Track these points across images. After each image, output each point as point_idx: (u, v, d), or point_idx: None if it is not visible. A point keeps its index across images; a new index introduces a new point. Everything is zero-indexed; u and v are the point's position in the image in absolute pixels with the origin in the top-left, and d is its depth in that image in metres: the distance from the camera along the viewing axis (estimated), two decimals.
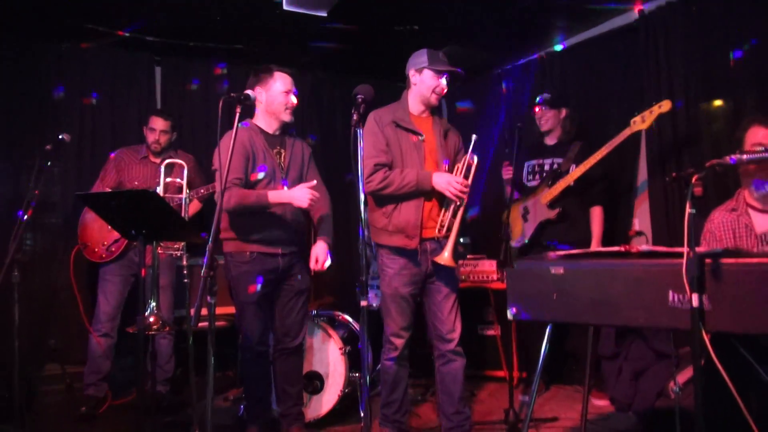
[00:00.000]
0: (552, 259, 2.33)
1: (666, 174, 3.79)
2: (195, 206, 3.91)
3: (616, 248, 2.26)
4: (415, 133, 2.89)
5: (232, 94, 2.51)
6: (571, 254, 2.34)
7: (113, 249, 3.76)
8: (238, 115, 2.49)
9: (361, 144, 2.33)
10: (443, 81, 2.89)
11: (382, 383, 2.98)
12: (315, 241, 3.12)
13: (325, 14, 4.01)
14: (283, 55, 4.85)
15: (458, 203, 2.80)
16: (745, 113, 3.38)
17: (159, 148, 3.90)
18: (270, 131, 3.03)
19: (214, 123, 4.87)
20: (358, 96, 2.40)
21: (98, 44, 4.45)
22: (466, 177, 2.84)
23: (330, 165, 5.30)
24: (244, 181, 2.87)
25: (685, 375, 2.63)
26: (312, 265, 3.03)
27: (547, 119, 3.82)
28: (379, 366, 4.16)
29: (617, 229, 4.17)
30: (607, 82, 4.32)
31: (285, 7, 3.88)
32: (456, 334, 2.90)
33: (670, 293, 1.95)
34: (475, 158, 2.87)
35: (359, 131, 2.34)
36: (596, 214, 3.69)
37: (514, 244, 3.90)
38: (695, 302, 1.84)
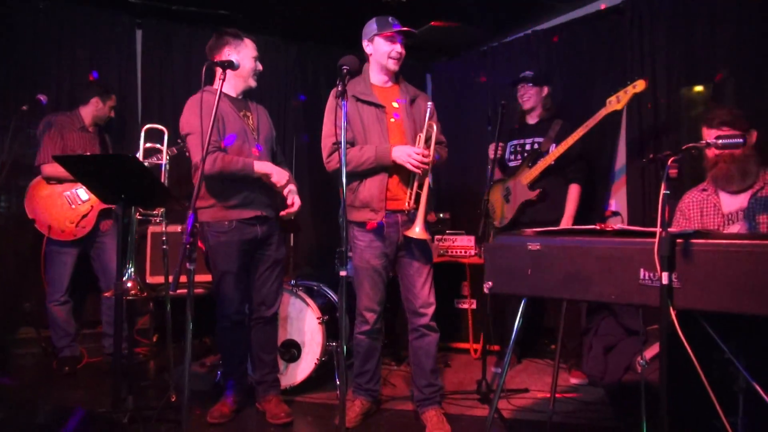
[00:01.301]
0: (529, 235, 2.37)
1: (644, 156, 3.85)
2: None
3: (591, 226, 2.32)
4: (376, 106, 2.85)
5: (215, 61, 2.49)
6: (548, 231, 2.38)
7: (84, 224, 3.71)
8: (222, 81, 2.47)
9: (344, 114, 2.33)
10: (397, 45, 2.84)
11: (355, 355, 3.01)
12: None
13: None
14: (267, 23, 4.79)
15: (420, 174, 2.79)
16: (723, 100, 3.44)
17: (105, 123, 3.94)
18: (234, 95, 2.99)
19: (194, 88, 4.78)
20: (344, 67, 2.39)
21: (77, 4, 4.34)
22: (427, 145, 2.82)
23: (313, 135, 5.28)
24: (219, 144, 2.83)
25: (652, 351, 2.73)
26: (288, 207, 2.99)
27: (529, 97, 3.80)
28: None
29: (594, 209, 4.25)
30: (592, 63, 4.36)
31: None
32: (429, 309, 2.91)
33: (642, 271, 2.01)
34: (434, 125, 2.83)
35: (344, 102, 2.33)
36: (573, 191, 3.67)
37: (495, 224, 3.91)
38: (665, 280, 1.90)
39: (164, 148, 3.45)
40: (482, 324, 4.08)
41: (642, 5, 3.89)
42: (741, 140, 2.12)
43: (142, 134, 3.48)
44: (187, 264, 2.28)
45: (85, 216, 3.70)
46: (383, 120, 2.85)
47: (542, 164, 3.61)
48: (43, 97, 3.62)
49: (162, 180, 3.47)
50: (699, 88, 3.66)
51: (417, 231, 2.74)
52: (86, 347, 4.05)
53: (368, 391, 3.03)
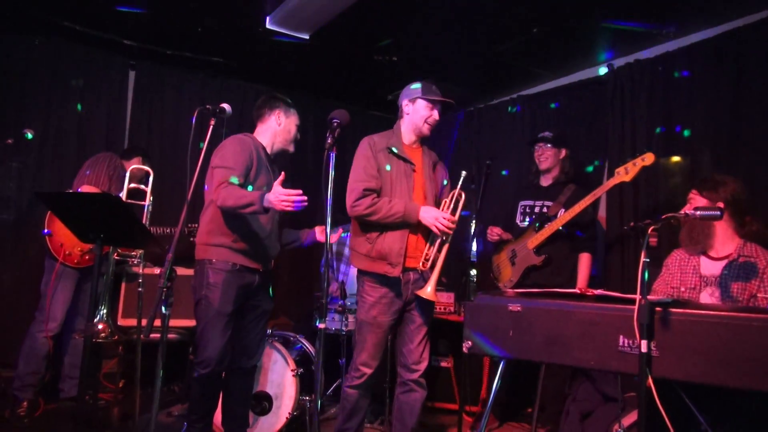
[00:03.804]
0: (510, 297, 2.38)
1: (623, 223, 3.92)
2: None
3: (572, 290, 2.33)
4: (407, 162, 2.90)
5: (207, 107, 2.51)
6: (529, 293, 2.39)
7: (90, 258, 3.63)
8: (211, 127, 2.49)
9: (332, 167, 2.34)
10: (435, 112, 2.93)
11: (341, 409, 2.91)
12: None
13: (307, 37, 4.06)
14: (258, 72, 4.88)
15: (444, 239, 2.80)
16: (701, 169, 3.55)
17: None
18: (269, 151, 3.07)
19: (183, 132, 4.83)
20: (334, 120, 2.43)
21: (73, 42, 4.39)
22: (453, 212, 2.84)
23: (298, 186, 5.29)
24: (241, 183, 2.79)
25: (630, 418, 2.70)
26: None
27: (546, 157, 3.76)
28: (330, 391, 4.15)
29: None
30: (574, 128, 4.47)
31: (268, 25, 3.92)
32: (422, 366, 2.89)
33: (621, 338, 2.02)
34: (463, 194, 2.86)
35: (332, 155, 2.35)
36: (584, 259, 3.60)
37: (501, 286, 3.80)
38: (644, 348, 1.90)
39: (149, 190, 3.43)
40: (459, 383, 4.01)
41: (623, 77, 4.05)
42: (718, 213, 2.17)
43: (127, 174, 3.46)
44: (163, 308, 2.24)
45: (92, 250, 3.62)
46: (410, 177, 2.89)
47: (549, 230, 3.52)
48: (29, 132, 3.60)
49: (144, 221, 3.44)
50: (677, 158, 3.76)
51: (428, 291, 2.73)
52: None
53: None
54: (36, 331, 3.60)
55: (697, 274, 2.63)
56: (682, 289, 2.60)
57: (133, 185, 3.48)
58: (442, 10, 3.65)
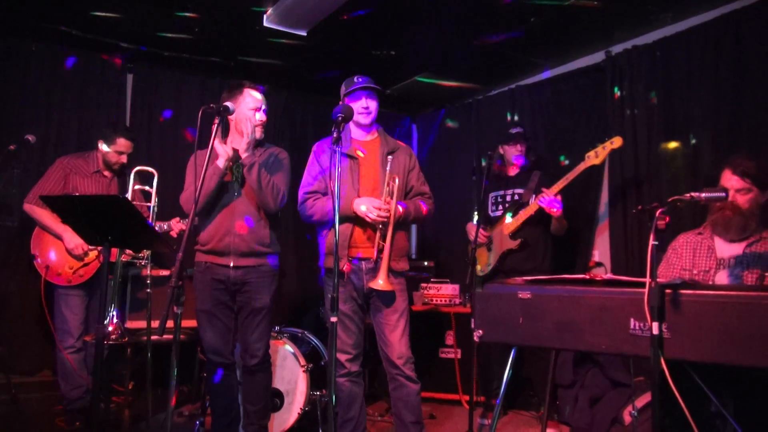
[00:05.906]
0: (519, 284, 2.39)
1: (626, 208, 3.94)
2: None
3: (580, 276, 2.34)
4: (351, 157, 2.95)
5: (211, 105, 2.51)
6: (538, 280, 2.40)
7: (82, 273, 3.56)
8: (216, 126, 2.49)
9: (338, 161, 2.36)
10: (362, 101, 2.95)
11: (339, 401, 2.94)
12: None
13: (304, 33, 4.07)
14: (259, 71, 4.88)
15: (381, 226, 2.83)
16: (702, 155, 3.56)
17: (119, 168, 3.69)
18: (237, 147, 2.98)
19: (183, 133, 4.83)
20: (339, 115, 2.44)
21: (70, 46, 4.39)
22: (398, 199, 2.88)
23: (298, 182, 5.31)
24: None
25: (642, 400, 2.72)
26: None
27: (521, 152, 3.95)
28: None
29: (577, 260, 4.29)
30: (573, 117, 4.49)
31: (265, 23, 3.92)
32: (401, 360, 2.87)
33: (632, 321, 2.03)
34: (396, 179, 2.86)
35: (338, 149, 2.36)
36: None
37: (479, 272, 3.97)
38: (655, 330, 1.92)
39: (153, 191, 3.43)
40: (468, 374, 4.03)
41: (622, 63, 4.06)
42: (723, 194, 2.19)
43: (132, 176, 3.46)
44: (175, 308, 2.24)
45: (86, 265, 3.57)
46: (356, 171, 2.93)
47: (523, 215, 3.72)
48: (31, 137, 3.58)
49: (150, 222, 3.43)
50: (676, 144, 3.78)
51: (380, 283, 2.77)
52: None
53: None
54: (59, 352, 3.57)
55: (713, 256, 2.60)
56: (695, 271, 2.59)
57: (138, 186, 3.48)
58: (440, 3, 3.66)
